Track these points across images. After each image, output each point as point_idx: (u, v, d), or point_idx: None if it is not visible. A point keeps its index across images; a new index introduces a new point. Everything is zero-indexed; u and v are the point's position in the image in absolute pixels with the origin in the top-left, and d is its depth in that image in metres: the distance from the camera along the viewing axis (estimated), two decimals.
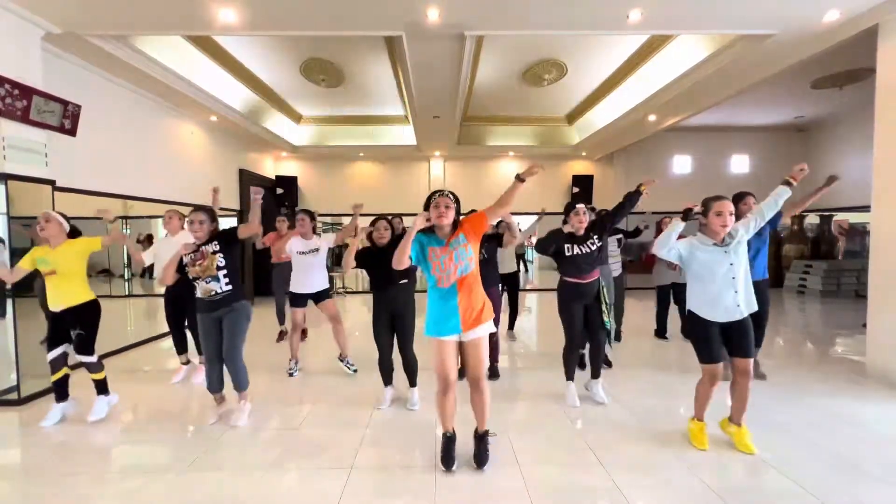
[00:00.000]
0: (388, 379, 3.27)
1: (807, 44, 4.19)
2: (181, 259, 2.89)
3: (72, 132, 3.86)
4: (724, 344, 2.56)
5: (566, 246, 3.09)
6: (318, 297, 3.91)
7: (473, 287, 2.25)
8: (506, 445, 2.63)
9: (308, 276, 3.85)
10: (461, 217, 2.34)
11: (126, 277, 5.60)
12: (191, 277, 2.89)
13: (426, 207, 2.28)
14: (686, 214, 2.58)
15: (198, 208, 2.92)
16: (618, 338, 4.95)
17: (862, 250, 8.41)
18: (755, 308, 2.52)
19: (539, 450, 2.60)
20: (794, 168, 2.56)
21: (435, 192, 2.29)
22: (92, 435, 2.86)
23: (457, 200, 2.29)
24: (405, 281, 3.12)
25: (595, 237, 3.08)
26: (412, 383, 3.24)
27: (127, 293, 5.63)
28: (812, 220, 9.29)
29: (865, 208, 3.99)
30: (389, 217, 3.26)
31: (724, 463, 2.42)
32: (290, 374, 3.93)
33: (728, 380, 2.65)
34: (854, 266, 8.26)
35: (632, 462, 2.44)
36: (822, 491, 2.14)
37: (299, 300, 3.92)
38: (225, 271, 2.87)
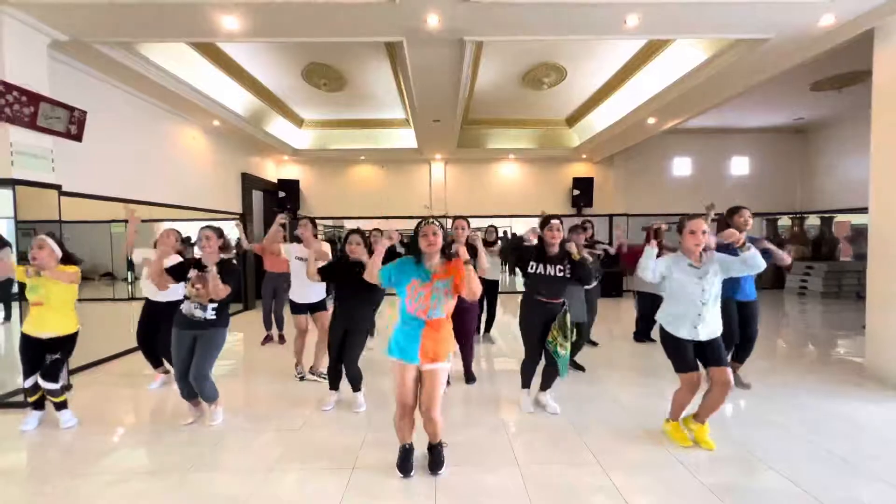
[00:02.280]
0: (333, 384, 3.31)
1: (803, 48, 4.23)
2: (187, 269, 2.90)
3: (78, 138, 3.92)
4: (698, 357, 2.60)
5: (532, 263, 3.00)
6: (315, 307, 3.92)
7: (441, 329, 2.25)
8: (505, 446, 2.66)
9: (305, 287, 3.81)
10: (455, 256, 2.24)
11: (129, 281, 5.65)
12: (183, 294, 2.92)
13: (415, 236, 2.27)
14: (655, 234, 2.71)
15: (207, 227, 2.93)
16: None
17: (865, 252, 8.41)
18: (716, 335, 2.55)
19: (538, 450, 2.63)
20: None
21: (421, 221, 2.30)
22: (95, 437, 2.90)
23: (443, 228, 2.28)
24: (367, 301, 3.18)
25: (567, 266, 2.95)
26: (356, 388, 3.27)
27: (129, 296, 5.67)
28: (813, 221, 9.30)
29: (865, 210, 4.01)
30: (363, 231, 3.28)
31: (721, 462, 2.45)
32: (301, 378, 3.93)
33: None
34: (855, 267, 8.25)
35: (629, 461, 2.47)
36: (819, 490, 2.16)
37: (298, 308, 3.92)
38: (215, 304, 2.90)
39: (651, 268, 2.57)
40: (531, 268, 3.01)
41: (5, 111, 3.28)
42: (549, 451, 2.61)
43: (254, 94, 6.46)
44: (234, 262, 3.06)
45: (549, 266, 2.97)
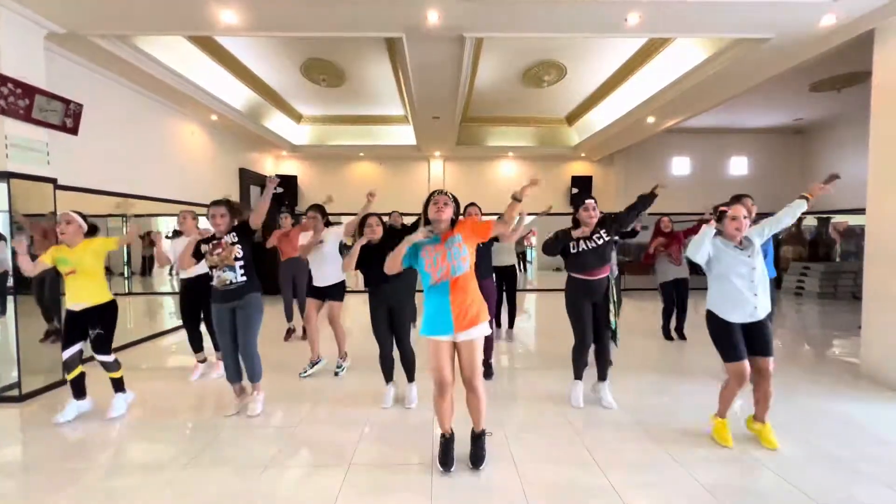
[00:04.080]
0: (389, 375, 3.27)
1: (804, 47, 4.22)
2: (199, 247, 2.97)
3: (73, 131, 3.89)
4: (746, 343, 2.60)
5: (571, 243, 3.06)
6: (332, 292, 3.86)
7: (467, 288, 2.26)
8: (503, 444, 2.66)
9: (320, 268, 3.81)
10: (460, 217, 2.37)
11: (126, 275, 5.62)
12: (208, 266, 2.98)
13: (426, 207, 2.31)
14: (720, 216, 2.60)
15: (216, 202, 2.99)
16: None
17: (858, 251, 8.44)
18: (769, 310, 2.59)
19: (536, 449, 2.63)
20: (815, 186, 2.66)
21: (434, 192, 2.33)
22: (93, 431, 2.89)
23: (455, 201, 2.34)
24: (400, 275, 3.11)
25: (602, 231, 3.05)
26: (410, 378, 3.26)
27: (127, 291, 5.65)
28: (810, 222, 9.33)
29: (862, 210, 4.02)
30: (379, 214, 3.25)
31: (718, 462, 2.45)
32: (302, 376, 3.88)
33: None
34: (851, 268, 8.29)
35: (627, 461, 2.47)
36: (815, 490, 2.16)
37: (315, 293, 3.87)
38: (242, 262, 2.95)
39: (704, 248, 2.56)
40: (573, 247, 3.07)
41: (0, 103, 3.24)
42: (547, 450, 2.61)
43: (252, 89, 6.42)
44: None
45: (587, 241, 3.05)
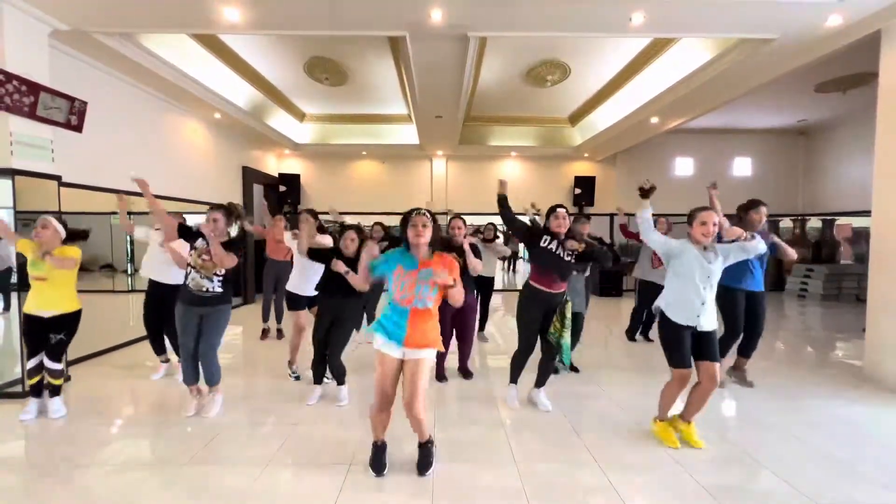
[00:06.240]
0: (318, 378, 3.33)
1: (809, 48, 4.20)
2: (195, 235, 2.95)
3: (78, 128, 3.90)
4: (694, 349, 2.61)
5: (545, 237, 2.95)
6: (314, 301, 3.81)
7: (425, 321, 2.17)
8: (503, 444, 2.66)
9: (307, 278, 3.75)
10: (445, 248, 2.23)
11: (129, 273, 5.64)
12: (188, 265, 2.95)
13: (403, 225, 2.22)
14: (645, 193, 2.74)
15: (215, 207, 2.99)
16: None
17: (863, 253, 8.41)
18: (712, 327, 2.58)
19: (535, 448, 2.63)
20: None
21: (412, 211, 2.22)
22: (93, 428, 2.90)
23: (434, 221, 2.22)
24: (354, 294, 3.09)
25: (573, 255, 2.95)
26: (340, 382, 3.28)
27: (129, 288, 5.67)
28: (814, 224, 9.28)
29: (867, 213, 4.00)
30: (361, 227, 3.29)
31: (718, 462, 2.44)
32: (297, 378, 3.82)
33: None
34: (855, 270, 8.25)
35: (626, 460, 2.47)
36: (814, 491, 2.16)
37: (297, 302, 3.80)
38: (220, 278, 2.94)
39: (651, 225, 2.68)
40: (544, 241, 2.94)
41: (5, 100, 3.26)
42: (547, 450, 2.61)
43: (255, 87, 6.43)
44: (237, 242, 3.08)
45: (559, 248, 2.95)
